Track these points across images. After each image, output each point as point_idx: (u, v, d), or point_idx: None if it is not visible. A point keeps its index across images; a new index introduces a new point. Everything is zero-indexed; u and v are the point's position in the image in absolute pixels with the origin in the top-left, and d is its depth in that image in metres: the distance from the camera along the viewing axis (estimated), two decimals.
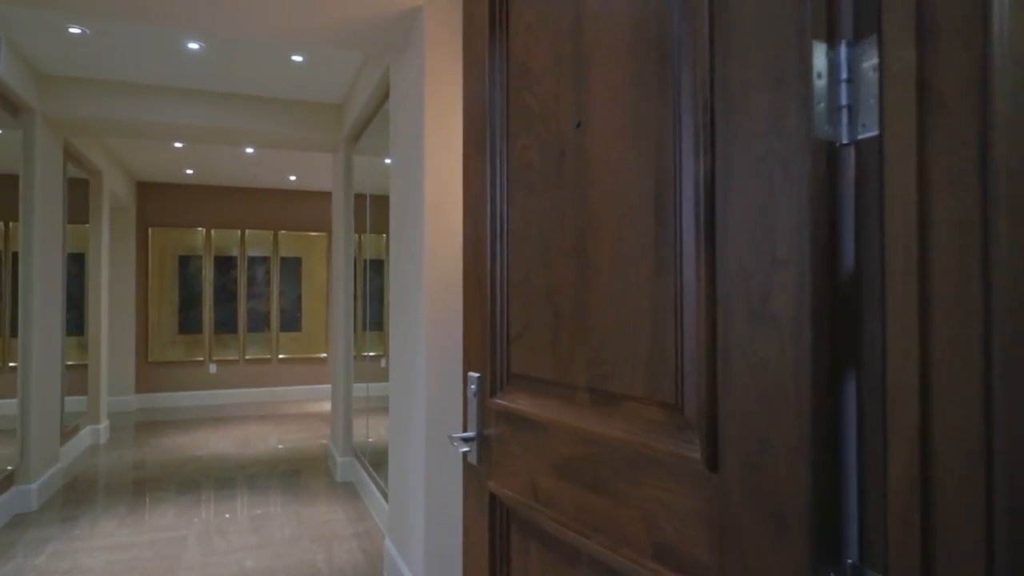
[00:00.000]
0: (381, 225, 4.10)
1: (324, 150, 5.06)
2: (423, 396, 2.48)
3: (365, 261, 4.38)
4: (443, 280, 2.50)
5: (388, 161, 3.99)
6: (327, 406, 7.87)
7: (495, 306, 1.28)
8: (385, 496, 3.67)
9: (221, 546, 3.40)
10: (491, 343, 1.28)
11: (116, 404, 7.52)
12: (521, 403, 1.20)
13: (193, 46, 3.56)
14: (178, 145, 5.95)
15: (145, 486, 4.51)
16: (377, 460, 3.94)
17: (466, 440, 1.34)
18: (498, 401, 1.26)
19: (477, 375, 1.33)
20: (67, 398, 5.46)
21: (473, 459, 1.34)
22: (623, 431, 0.98)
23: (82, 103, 4.15)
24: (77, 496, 4.30)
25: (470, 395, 1.35)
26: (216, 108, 4.40)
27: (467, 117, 1.41)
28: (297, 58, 3.75)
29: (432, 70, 2.52)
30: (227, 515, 3.87)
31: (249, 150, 6.12)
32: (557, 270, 1.12)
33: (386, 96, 3.72)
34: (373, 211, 4.16)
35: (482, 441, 1.33)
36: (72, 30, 3.35)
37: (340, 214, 4.78)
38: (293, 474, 4.82)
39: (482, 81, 1.33)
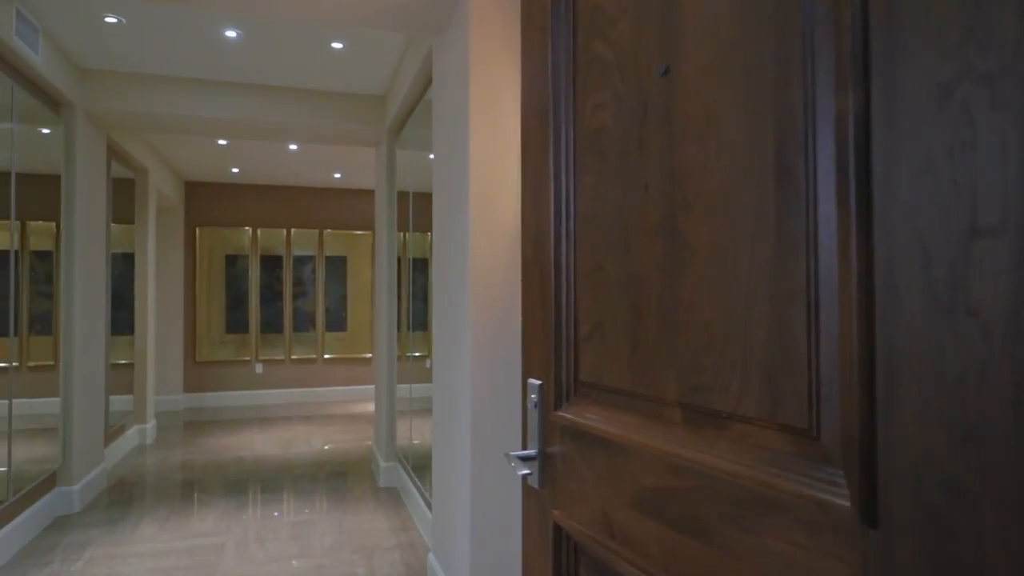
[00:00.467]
0: (425, 223, 3.94)
1: (367, 144, 4.92)
2: (468, 401, 2.28)
3: (410, 260, 4.22)
4: (490, 277, 2.30)
5: (431, 156, 3.82)
6: (372, 407, 7.78)
7: (560, 301, 1.07)
8: (429, 505, 3.50)
9: (259, 555, 3.27)
10: (555, 345, 1.07)
11: (165, 403, 7.57)
12: (592, 418, 0.99)
13: (230, 34, 3.45)
14: (222, 142, 5.91)
15: (188, 488, 4.44)
16: (421, 465, 3.77)
17: (526, 459, 1.13)
18: (564, 414, 1.05)
19: (538, 383, 1.12)
20: (117, 397, 5.46)
21: (535, 482, 1.13)
22: (729, 461, 0.75)
23: (123, 97, 4.09)
24: (120, 498, 4.25)
25: (530, 406, 1.14)
26: (257, 101, 4.30)
27: (526, 79, 1.20)
28: (337, 45, 3.60)
29: (477, 50, 2.32)
30: (268, 521, 3.75)
31: (292, 146, 6.05)
32: (638, 255, 0.90)
33: (428, 83, 3.54)
34: (417, 208, 4.00)
35: (545, 461, 1.12)
36: (108, 19, 3.27)
37: (383, 210, 4.63)
38: (336, 478, 4.69)
39: (544, 32, 1.12)
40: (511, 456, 1.13)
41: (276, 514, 3.87)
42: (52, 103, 3.82)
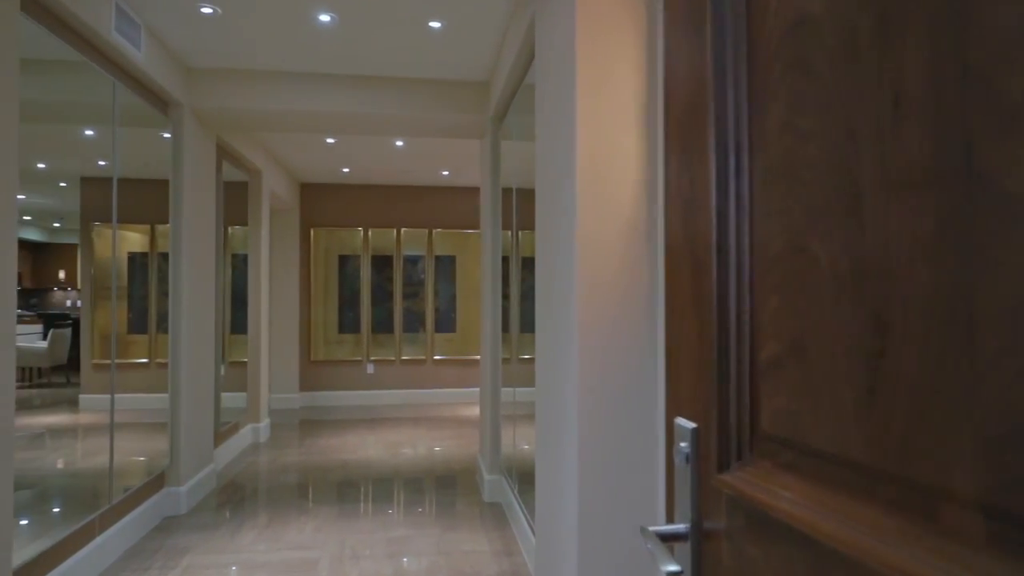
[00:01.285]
0: (529, 220, 3.59)
1: (470, 135, 4.65)
2: (574, 426, 1.89)
3: (519, 259, 3.89)
4: (602, 275, 1.90)
5: (527, 150, 3.46)
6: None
7: (725, 303, 0.66)
8: (533, 528, 3.14)
9: (353, 574, 3.03)
10: (718, 372, 0.66)
11: (281, 402, 7.71)
12: (784, 496, 0.57)
13: (324, 18, 3.25)
14: (330, 141, 5.85)
15: (291, 492, 4.34)
16: (526, 480, 3.42)
17: (669, 537, 0.73)
18: (733, 481, 0.64)
19: (691, 426, 0.72)
20: (235, 395, 5.52)
21: None
22: None
23: (225, 95, 4.03)
24: (226, 500, 4.20)
25: (678, 459, 0.74)
26: (355, 93, 4.12)
27: None
28: (435, 24, 3.32)
29: (585, 11, 1.93)
30: (365, 535, 3.53)
31: (399, 143, 5.90)
32: (879, 226, 0.48)
33: (531, 60, 3.19)
34: (522, 205, 3.65)
35: (701, 544, 0.71)
36: (204, 10, 3.15)
37: (488, 205, 4.33)
38: (440, 488, 4.44)
39: None
40: (649, 535, 0.73)
41: (374, 527, 3.65)
42: (160, 103, 3.81)
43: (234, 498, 4.24)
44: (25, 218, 2.64)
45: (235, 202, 5.58)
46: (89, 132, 3.03)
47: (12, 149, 2.22)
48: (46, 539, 2.65)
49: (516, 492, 3.62)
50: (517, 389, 3.58)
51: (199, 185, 4.22)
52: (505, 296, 4.13)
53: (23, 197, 2.60)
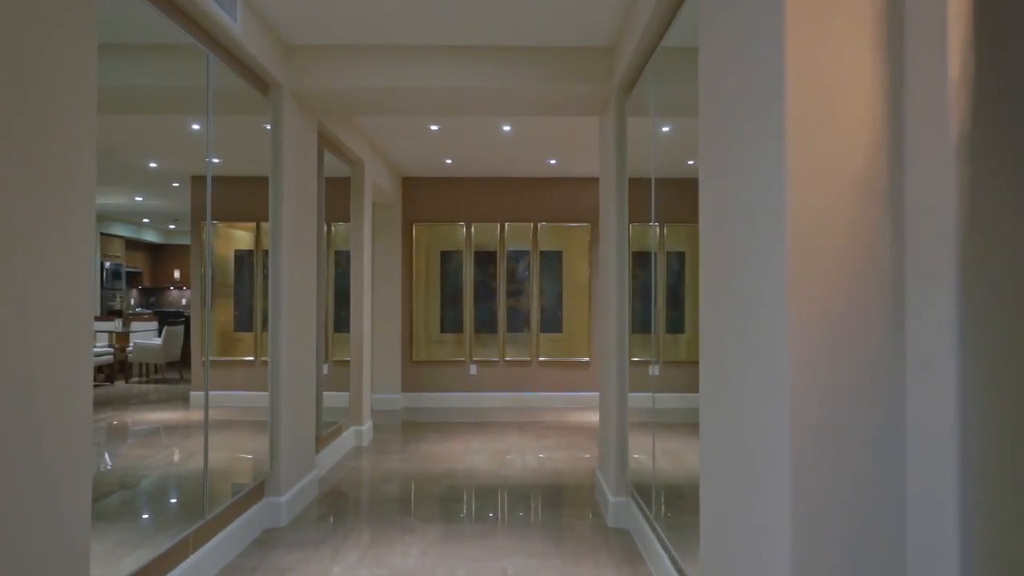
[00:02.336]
0: (643, 212, 3.06)
1: (589, 111, 4.14)
2: (785, 455, 1.35)
3: (664, 254, 3.36)
4: (818, 257, 1.35)
5: (665, 129, 2.92)
6: (589, 417, 7.02)
7: None
8: (680, 569, 2.60)
9: None
10: None
11: (383, 403, 7.49)
12: None
13: None
14: (434, 128, 5.51)
15: (395, 506, 3.99)
16: (669, 506, 2.88)
17: None
18: None
19: None
20: (338, 394, 5.31)
21: None
22: None
23: (325, 73, 3.71)
24: (328, 511, 3.90)
25: None
26: (464, 64, 3.70)
27: None
28: None
29: None
30: (475, 563, 3.11)
31: (506, 127, 5.48)
32: None
33: (674, 14, 2.64)
34: (660, 191, 3.11)
35: None
36: None
37: (611, 186, 3.81)
38: (554, 508, 3.97)
39: None
40: None
41: (484, 555, 3.22)
42: (259, 83, 3.54)
43: (336, 509, 3.94)
44: (144, 220, 2.75)
45: (337, 198, 5.37)
46: (196, 126, 2.91)
47: (90, 137, 1.92)
48: (131, 559, 2.37)
49: (653, 520, 3.09)
50: (657, 395, 3.05)
51: (300, 175, 3.94)
52: (635, 293, 3.60)
53: (140, 199, 2.65)
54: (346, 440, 5.43)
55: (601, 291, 4.12)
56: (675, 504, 2.74)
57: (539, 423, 6.71)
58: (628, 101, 3.64)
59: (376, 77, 3.72)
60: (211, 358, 3.08)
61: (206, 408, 2.97)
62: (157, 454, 2.79)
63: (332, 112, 4.22)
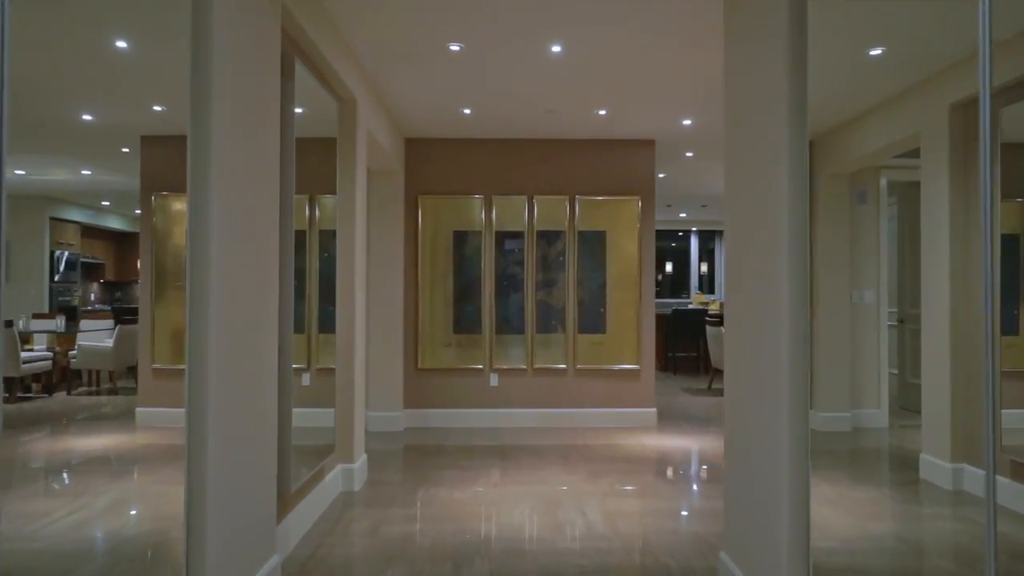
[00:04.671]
0: None
1: None
2: None
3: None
4: None
5: None
6: (645, 441, 5.47)
7: None
8: None
9: None
10: None
11: (381, 422, 5.92)
12: None
13: None
14: (455, 47, 3.94)
15: None
16: None
17: None
18: None
19: None
20: (323, 411, 3.86)
21: None
22: None
23: None
24: None
25: None
26: None
27: None
28: None
29: None
30: None
31: (555, 47, 3.91)
32: None
33: None
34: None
35: None
36: None
37: (783, 95, 2.25)
38: None
39: None
40: None
41: None
42: None
43: None
44: (104, 203, 2.35)
45: (322, 163, 3.87)
46: (121, 43, 2.09)
47: None
48: None
49: None
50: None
51: (245, 90, 2.39)
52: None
53: (88, 172, 2.18)
54: (330, 487, 3.87)
55: (755, 264, 2.57)
56: None
57: (584, 451, 5.15)
58: None
59: None
60: (159, 366, 2.40)
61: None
62: (64, 506, 2.13)
63: None
